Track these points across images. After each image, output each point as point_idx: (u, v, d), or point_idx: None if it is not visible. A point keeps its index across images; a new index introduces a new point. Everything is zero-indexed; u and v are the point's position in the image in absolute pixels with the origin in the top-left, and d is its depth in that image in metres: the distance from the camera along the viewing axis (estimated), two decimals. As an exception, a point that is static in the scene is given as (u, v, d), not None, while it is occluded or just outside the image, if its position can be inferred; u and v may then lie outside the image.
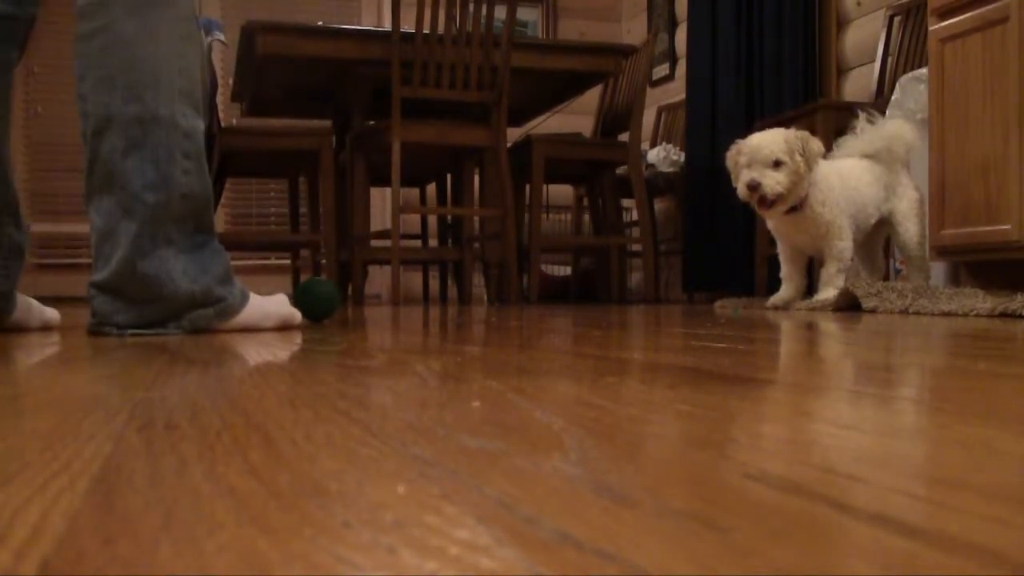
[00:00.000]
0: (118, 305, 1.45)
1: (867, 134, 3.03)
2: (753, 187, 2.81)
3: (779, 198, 2.82)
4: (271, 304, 1.58)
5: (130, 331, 1.45)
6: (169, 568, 0.25)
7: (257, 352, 1.08)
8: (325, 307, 1.87)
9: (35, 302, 1.69)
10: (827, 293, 2.87)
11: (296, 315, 1.63)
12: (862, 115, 3.08)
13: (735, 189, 2.93)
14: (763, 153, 2.80)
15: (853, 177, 2.95)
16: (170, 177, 1.44)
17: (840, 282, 2.87)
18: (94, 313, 1.48)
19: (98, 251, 1.47)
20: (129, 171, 1.43)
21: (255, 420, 0.52)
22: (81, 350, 1.15)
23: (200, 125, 1.51)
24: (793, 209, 2.89)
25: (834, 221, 2.88)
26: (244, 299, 1.53)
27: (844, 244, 2.89)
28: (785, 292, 3.04)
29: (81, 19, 1.47)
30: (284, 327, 1.59)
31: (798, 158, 2.79)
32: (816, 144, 2.83)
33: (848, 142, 3.07)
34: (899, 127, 2.98)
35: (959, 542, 0.27)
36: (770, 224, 3.06)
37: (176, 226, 1.46)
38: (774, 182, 2.78)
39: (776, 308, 2.97)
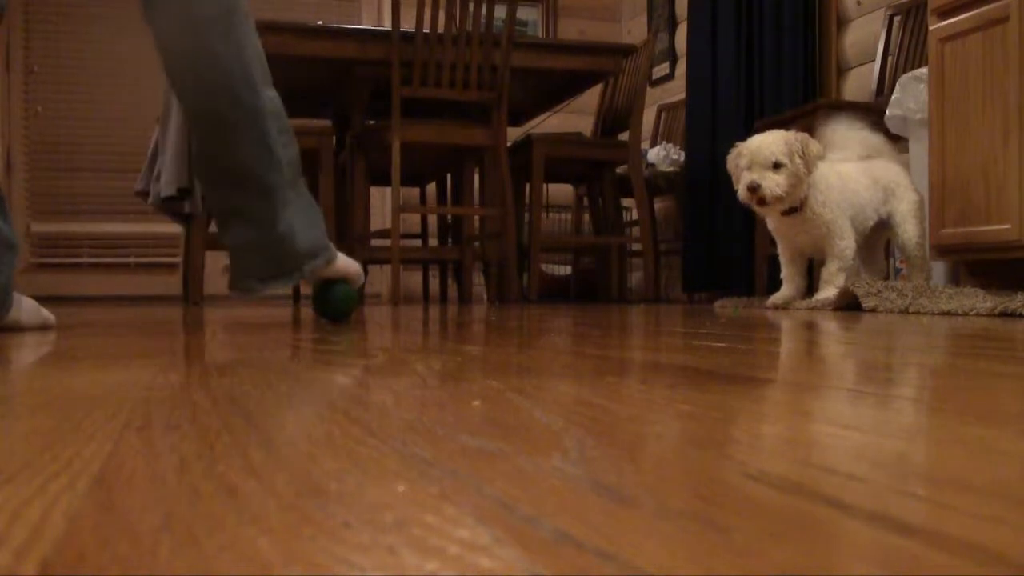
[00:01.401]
0: (261, 261, 1.72)
1: (844, 147, 3.07)
2: (753, 189, 2.82)
3: (777, 200, 2.84)
4: (345, 257, 1.88)
5: (269, 285, 1.72)
6: (169, 568, 0.25)
7: (257, 351, 1.08)
8: (344, 307, 1.89)
9: (33, 302, 1.69)
10: (827, 292, 2.87)
11: (357, 268, 1.90)
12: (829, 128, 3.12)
13: (736, 190, 2.94)
14: (763, 155, 2.82)
15: (852, 179, 2.96)
16: (278, 154, 1.69)
17: (841, 281, 2.87)
18: (237, 272, 1.74)
19: (225, 223, 1.73)
20: (247, 159, 1.66)
21: (255, 420, 0.52)
22: (81, 350, 1.15)
23: (277, 96, 1.72)
24: (793, 210, 2.90)
25: (834, 221, 2.89)
26: (334, 253, 1.82)
27: (845, 243, 2.90)
28: (785, 291, 3.04)
29: (168, 36, 1.62)
30: (357, 276, 1.89)
31: (798, 160, 2.80)
32: (816, 146, 2.85)
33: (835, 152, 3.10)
34: (859, 137, 3.05)
35: (959, 542, 0.27)
36: (771, 226, 3.06)
37: (288, 189, 1.70)
38: (774, 184, 2.80)
39: (776, 307, 2.97)
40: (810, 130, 3.08)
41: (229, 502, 0.32)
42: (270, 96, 1.68)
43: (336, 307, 1.88)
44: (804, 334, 1.47)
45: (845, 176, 2.95)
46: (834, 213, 2.89)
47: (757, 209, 2.95)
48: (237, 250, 1.74)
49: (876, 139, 3.10)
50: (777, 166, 2.81)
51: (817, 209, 2.88)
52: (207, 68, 1.62)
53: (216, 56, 1.61)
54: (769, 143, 2.83)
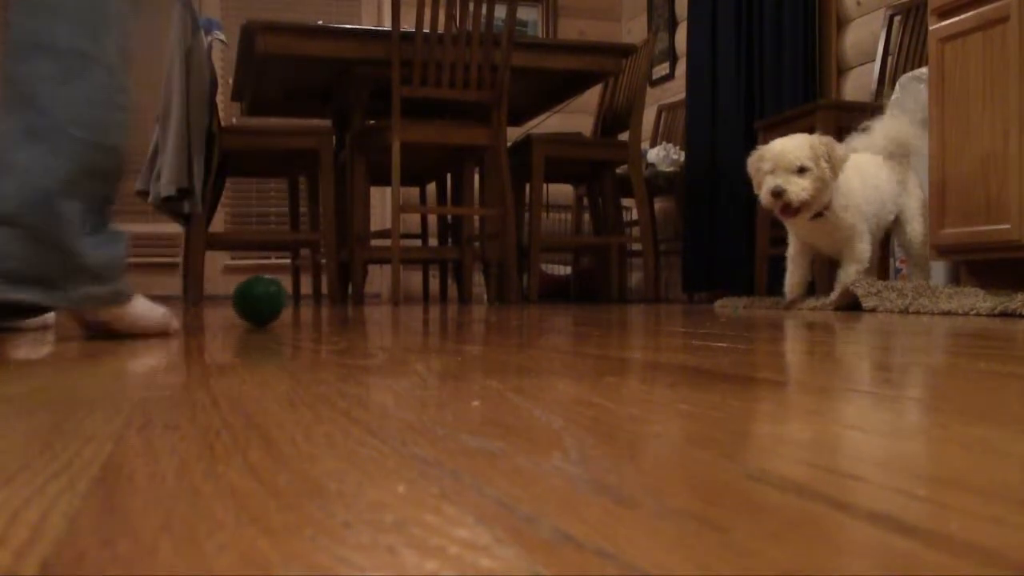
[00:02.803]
0: (19, 245, 1.22)
1: (874, 132, 3.01)
2: (778, 194, 2.74)
3: (804, 205, 2.76)
4: (149, 307, 1.43)
5: (19, 290, 1.22)
6: (169, 568, 0.25)
7: (257, 351, 1.08)
8: (266, 308, 1.63)
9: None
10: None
11: (173, 323, 1.45)
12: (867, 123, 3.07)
13: (738, 190, 2.92)
14: (787, 159, 2.73)
15: (871, 175, 2.91)
16: (103, 122, 1.31)
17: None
18: None
19: None
20: (59, 99, 1.27)
21: (255, 420, 0.52)
22: (81, 350, 1.15)
23: (130, 88, 1.37)
24: (816, 215, 2.85)
25: (856, 225, 2.84)
26: (131, 292, 1.38)
27: (864, 247, 2.87)
28: (793, 278, 3.02)
29: None
30: (163, 333, 1.42)
31: (823, 164, 2.72)
32: (841, 150, 2.77)
33: (856, 139, 3.05)
34: (901, 129, 2.97)
35: (959, 542, 0.27)
36: (792, 226, 3.03)
37: (92, 181, 1.30)
38: (799, 188, 2.72)
39: (790, 306, 2.93)
40: (811, 131, 3.07)
41: (229, 502, 0.32)
42: (126, 77, 1.33)
43: (266, 307, 1.62)
44: (804, 334, 1.47)
45: (866, 173, 2.89)
46: (856, 217, 2.83)
47: (780, 218, 2.87)
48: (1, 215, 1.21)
49: (917, 139, 3.03)
50: (802, 170, 2.72)
51: (840, 213, 2.82)
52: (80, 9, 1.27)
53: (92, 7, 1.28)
54: (793, 147, 2.74)
